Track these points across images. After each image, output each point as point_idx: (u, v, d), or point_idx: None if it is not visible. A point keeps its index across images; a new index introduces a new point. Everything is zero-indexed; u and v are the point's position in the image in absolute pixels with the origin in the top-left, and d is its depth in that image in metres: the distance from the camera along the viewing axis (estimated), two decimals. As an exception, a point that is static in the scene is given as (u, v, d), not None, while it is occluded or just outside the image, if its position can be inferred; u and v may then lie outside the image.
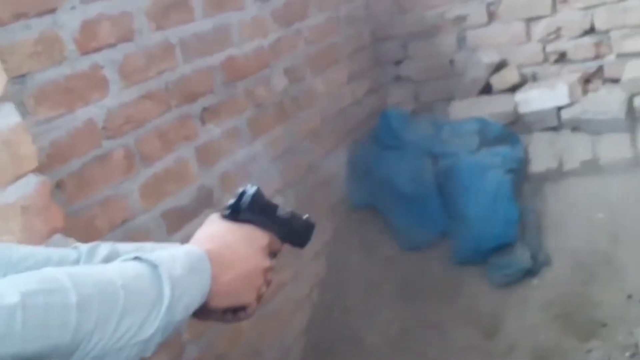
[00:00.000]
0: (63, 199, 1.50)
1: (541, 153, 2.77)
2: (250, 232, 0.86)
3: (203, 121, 1.99)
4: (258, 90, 2.27)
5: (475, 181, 2.60)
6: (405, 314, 2.39)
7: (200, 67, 1.99)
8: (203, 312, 0.80)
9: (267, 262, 0.87)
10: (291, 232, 0.94)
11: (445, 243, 2.62)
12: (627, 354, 2.05)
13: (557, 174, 2.69)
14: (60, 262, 0.83)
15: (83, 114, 1.59)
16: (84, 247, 0.88)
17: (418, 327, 2.35)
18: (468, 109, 2.93)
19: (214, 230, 0.86)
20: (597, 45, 2.86)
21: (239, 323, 0.91)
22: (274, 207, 0.91)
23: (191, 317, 0.78)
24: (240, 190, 0.90)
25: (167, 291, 0.70)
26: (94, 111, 1.62)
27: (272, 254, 0.90)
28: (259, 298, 0.87)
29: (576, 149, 2.71)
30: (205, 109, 2.00)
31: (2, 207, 1.05)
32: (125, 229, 1.66)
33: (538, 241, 2.50)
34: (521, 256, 2.44)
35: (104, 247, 0.88)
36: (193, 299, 0.75)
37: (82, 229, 1.52)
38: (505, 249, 2.47)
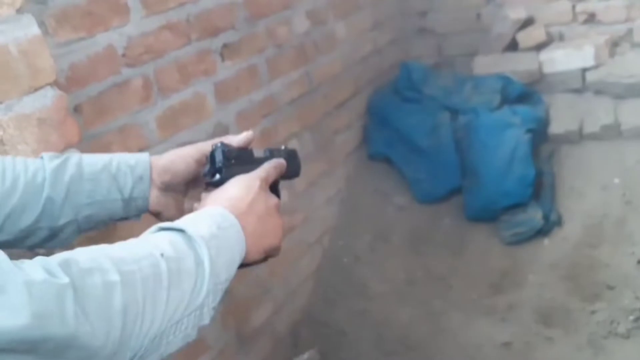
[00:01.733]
0: (80, 122, 1.50)
1: (562, 115, 2.74)
2: (241, 180, 0.84)
3: (223, 57, 1.97)
4: (279, 31, 2.24)
5: (494, 139, 2.58)
6: (413, 264, 2.41)
7: (222, 1, 1.96)
8: (244, 264, 0.78)
9: (273, 199, 0.86)
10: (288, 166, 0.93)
11: (458, 198, 2.61)
12: (631, 318, 2.06)
13: (577, 137, 2.66)
14: (27, 185, 0.82)
15: (103, 39, 1.58)
16: (49, 166, 0.85)
17: (424, 278, 2.37)
18: (491, 65, 2.88)
19: (210, 196, 0.83)
20: (629, 8, 2.78)
21: None
22: (249, 153, 0.90)
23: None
24: (208, 154, 0.88)
25: (204, 251, 0.67)
26: (114, 37, 1.61)
27: (272, 188, 0.89)
28: (284, 235, 0.87)
29: (598, 112, 2.67)
30: (225, 45, 1.98)
31: (18, 117, 1.05)
32: (140, 158, 1.67)
33: (551, 202, 2.48)
34: (533, 216, 2.43)
35: (70, 167, 0.86)
36: (233, 255, 0.73)
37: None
38: (518, 207, 2.46)
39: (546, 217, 2.41)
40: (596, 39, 2.78)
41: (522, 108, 2.70)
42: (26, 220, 0.83)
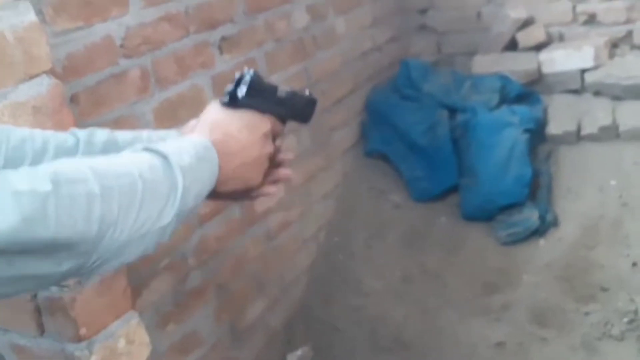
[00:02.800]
0: (76, 113, 1.49)
1: (560, 115, 2.73)
2: (251, 118, 0.87)
3: (221, 50, 1.96)
4: (278, 25, 2.23)
5: (491, 138, 2.57)
6: (408, 262, 2.41)
7: (222, -6, 1.95)
8: (213, 195, 0.83)
9: (270, 147, 0.89)
10: (293, 110, 0.94)
11: (454, 197, 2.61)
12: (625, 320, 2.06)
13: (574, 138, 2.66)
14: (58, 147, 0.85)
15: (101, 29, 1.57)
16: (81, 133, 0.89)
17: (419, 276, 2.36)
18: (491, 64, 2.87)
19: (215, 118, 0.86)
20: (629, 9, 2.78)
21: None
22: (274, 89, 0.91)
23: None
24: (238, 75, 0.88)
25: (179, 180, 0.72)
26: (112, 28, 1.60)
27: (275, 136, 0.92)
28: (265, 178, 0.91)
29: (596, 113, 2.67)
30: (223, 38, 1.97)
31: (13, 105, 1.04)
32: (136, 149, 1.66)
33: (548, 202, 2.48)
34: (529, 216, 2.42)
35: (101, 134, 0.90)
36: (203, 187, 0.78)
37: (94, 144, 1.52)
38: (514, 207, 2.46)
39: (542, 218, 2.41)
40: (596, 40, 2.78)
41: (520, 108, 2.69)
42: None
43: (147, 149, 0.74)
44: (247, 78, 0.87)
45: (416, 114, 2.74)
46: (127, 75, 1.64)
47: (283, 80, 2.25)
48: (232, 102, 0.86)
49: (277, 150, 0.93)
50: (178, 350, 1.81)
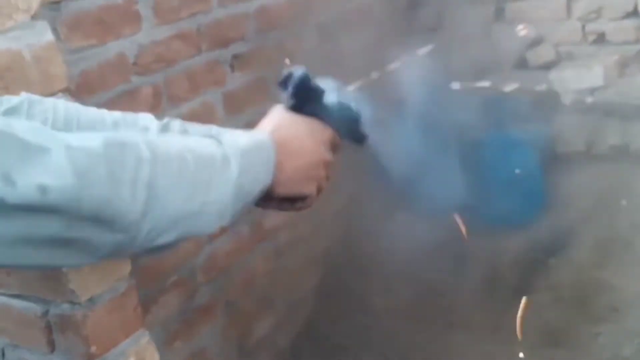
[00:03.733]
0: (89, 129, 1.50)
1: (570, 134, 2.73)
2: (315, 125, 0.86)
3: (232, 68, 1.98)
4: (289, 44, 2.24)
5: (502, 157, 2.57)
6: (417, 281, 2.39)
7: (234, 12, 1.97)
8: (264, 199, 0.81)
9: (329, 156, 0.87)
10: (342, 124, 0.88)
11: (463, 215, 2.60)
12: (637, 341, 2.04)
13: (585, 157, 2.65)
14: (128, 129, 0.86)
15: (114, 47, 1.59)
16: (154, 123, 0.89)
17: (428, 295, 2.35)
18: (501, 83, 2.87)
19: (279, 120, 0.85)
20: (639, 29, 2.78)
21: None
22: (321, 93, 0.86)
23: (254, 204, 0.80)
24: (286, 72, 0.85)
25: (231, 155, 0.72)
26: (125, 45, 1.62)
27: (333, 149, 0.89)
28: (319, 191, 0.88)
29: (606, 133, 2.66)
30: (235, 56, 1.99)
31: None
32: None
33: (558, 222, 2.47)
34: (539, 235, 2.41)
35: (174, 123, 0.90)
36: (259, 175, 0.77)
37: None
38: (525, 226, 2.45)
39: (553, 237, 2.40)
40: (605, 59, 2.78)
41: (531, 127, 2.69)
42: None
43: (200, 129, 0.77)
44: (295, 78, 0.84)
45: (423, 133, 2.74)
46: (140, 93, 1.66)
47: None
48: (298, 107, 0.84)
49: (333, 163, 0.89)
50: (186, 368, 1.80)
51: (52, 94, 1.09)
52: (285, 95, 0.84)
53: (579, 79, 2.75)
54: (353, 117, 0.89)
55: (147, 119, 0.91)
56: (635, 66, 2.81)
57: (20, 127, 0.55)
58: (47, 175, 0.54)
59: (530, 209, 2.45)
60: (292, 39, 2.26)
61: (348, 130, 0.89)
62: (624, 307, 2.14)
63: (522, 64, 2.93)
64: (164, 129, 0.88)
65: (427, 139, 2.71)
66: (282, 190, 0.82)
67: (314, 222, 2.37)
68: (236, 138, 0.75)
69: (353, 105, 0.88)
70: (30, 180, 0.53)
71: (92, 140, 0.59)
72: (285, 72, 0.84)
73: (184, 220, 0.66)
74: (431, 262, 2.46)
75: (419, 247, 2.53)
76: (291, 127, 0.84)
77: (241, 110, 2.01)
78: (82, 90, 1.50)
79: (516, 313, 2.25)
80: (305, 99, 0.84)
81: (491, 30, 3.01)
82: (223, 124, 1.93)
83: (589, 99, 2.75)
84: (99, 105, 1.55)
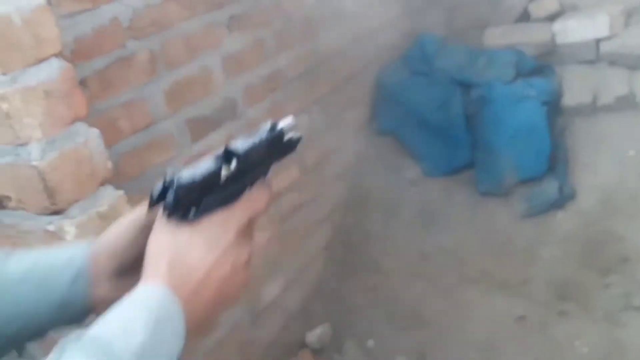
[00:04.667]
0: (86, 97, 1.47)
1: (576, 86, 2.68)
2: (210, 231, 0.64)
3: (230, 29, 1.93)
4: (286, 3, 2.19)
5: (508, 112, 2.53)
6: (424, 239, 2.38)
7: (228, -28, 1.92)
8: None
9: (244, 253, 0.67)
10: (258, 169, 0.68)
11: (469, 173, 2.58)
12: (646, 291, 2.04)
13: (591, 109, 2.61)
14: None
15: (108, 11, 1.55)
16: None
17: (436, 253, 2.34)
18: (503, 37, 2.82)
19: (168, 247, 0.64)
20: (644, -24, 2.71)
21: None
22: (213, 177, 0.63)
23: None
24: (167, 178, 0.63)
25: None
26: (119, 9, 1.57)
27: (248, 232, 0.68)
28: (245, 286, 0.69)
29: (612, 84, 2.61)
30: (232, 17, 1.94)
31: (23, 89, 1.02)
32: (148, 133, 1.64)
33: (566, 175, 2.44)
34: (548, 189, 2.39)
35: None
36: (170, 349, 0.60)
37: (105, 129, 1.48)
38: (533, 181, 2.43)
39: (561, 190, 2.38)
40: (610, 8, 2.71)
41: (536, 80, 2.64)
42: None
43: (81, 341, 0.55)
44: (178, 182, 0.62)
45: (428, 90, 2.70)
46: (136, 58, 1.62)
47: (292, 59, 2.21)
48: (178, 214, 0.63)
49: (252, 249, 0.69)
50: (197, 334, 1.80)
51: (45, 59, 1.06)
52: (167, 207, 0.63)
53: (583, 30, 2.69)
54: (262, 145, 0.66)
55: None
56: (641, 15, 2.74)
57: None
58: None
59: (537, 163, 2.42)
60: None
61: (278, 155, 0.69)
62: (633, 258, 2.13)
63: (524, 17, 2.86)
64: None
65: (432, 95, 2.68)
66: (204, 327, 0.66)
67: (317, 185, 2.36)
68: (128, 339, 0.57)
69: (266, 135, 0.66)
70: None
71: None
72: (157, 187, 0.64)
73: None
74: (438, 220, 2.46)
75: (424, 205, 2.52)
76: (189, 251, 0.63)
77: (240, 73, 1.97)
78: (77, 57, 1.46)
79: (526, 267, 2.25)
80: (192, 200, 0.63)
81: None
82: (223, 87, 1.91)
83: (594, 50, 2.70)
84: (96, 72, 1.52)
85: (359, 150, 2.62)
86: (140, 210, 0.70)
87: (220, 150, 0.63)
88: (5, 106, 1.03)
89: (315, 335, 2.16)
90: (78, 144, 1.09)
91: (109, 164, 1.16)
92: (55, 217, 1.09)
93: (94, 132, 1.14)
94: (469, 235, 2.37)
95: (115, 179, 1.24)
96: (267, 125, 0.66)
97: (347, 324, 2.17)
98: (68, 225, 1.08)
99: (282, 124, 0.67)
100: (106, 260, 0.71)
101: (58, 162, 1.06)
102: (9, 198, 1.13)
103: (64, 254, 0.72)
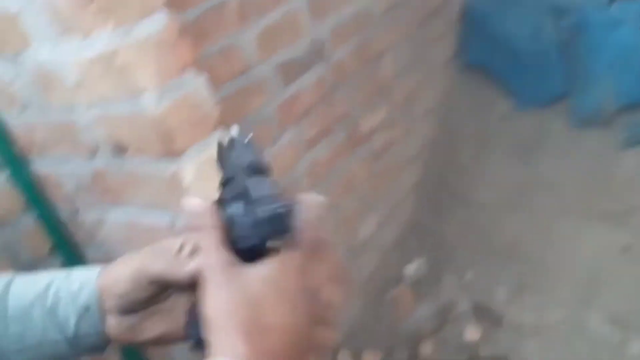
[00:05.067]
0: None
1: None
2: (271, 274, 0.50)
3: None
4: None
5: (606, 38, 2.40)
6: (519, 172, 2.34)
7: None
8: None
9: (316, 301, 0.51)
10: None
11: (566, 103, 2.48)
12: None
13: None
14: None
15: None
16: None
17: (533, 186, 2.30)
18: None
19: (240, 302, 0.49)
20: None
21: None
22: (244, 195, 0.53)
23: None
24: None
25: None
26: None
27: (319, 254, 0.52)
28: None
29: None
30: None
31: (136, 42, 1.08)
32: (244, 79, 1.69)
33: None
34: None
35: None
36: None
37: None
38: (633, 108, 2.31)
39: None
40: None
41: (633, 4, 2.48)
42: None
43: None
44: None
45: (518, 19, 2.59)
46: (226, 6, 1.65)
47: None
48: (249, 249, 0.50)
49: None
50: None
51: (152, 11, 1.11)
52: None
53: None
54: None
55: None
56: None
57: None
58: None
59: (638, 88, 2.29)
60: None
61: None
62: None
63: None
64: None
65: (522, 24, 2.57)
66: None
67: (407, 122, 2.35)
68: None
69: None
70: None
71: None
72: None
73: None
74: (533, 152, 2.40)
75: (518, 138, 2.47)
76: (261, 306, 0.49)
77: (326, 14, 1.97)
78: (172, 9, 1.51)
79: (629, 197, 2.17)
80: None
81: None
82: (310, 29, 1.91)
83: None
84: (190, 22, 1.57)
85: (447, 85, 2.58)
86: (146, 260, 0.60)
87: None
88: (120, 60, 1.09)
89: (412, 269, 2.20)
90: (189, 91, 1.15)
91: (217, 109, 1.22)
92: (172, 162, 1.16)
93: (202, 78, 1.19)
94: (567, 167, 2.30)
95: (220, 124, 1.30)
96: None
97: (443, 258, 2.19)
98: (186, 169, 1.15)
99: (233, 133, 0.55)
100: (112, 297, 0.63)
101: (173, 109, 1.12)
102: (128, 146, 1.21)
103: (78, 278, 0.66)
